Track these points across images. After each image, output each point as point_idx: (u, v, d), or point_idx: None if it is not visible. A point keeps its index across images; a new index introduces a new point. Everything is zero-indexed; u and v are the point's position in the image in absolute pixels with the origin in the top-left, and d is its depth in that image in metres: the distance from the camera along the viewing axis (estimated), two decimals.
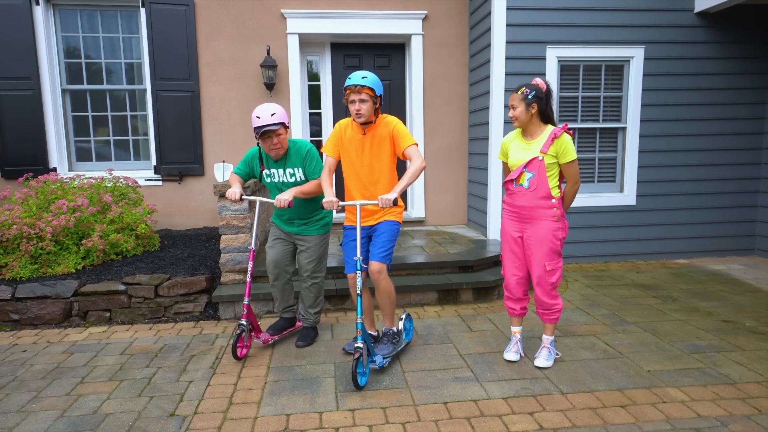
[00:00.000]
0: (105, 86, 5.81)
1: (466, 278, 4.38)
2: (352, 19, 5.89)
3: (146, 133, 5.97)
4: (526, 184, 2.98)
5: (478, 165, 5.87)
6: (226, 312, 4.07)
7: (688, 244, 5.69)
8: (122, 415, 2.61)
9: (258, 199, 3.31)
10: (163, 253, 4.67)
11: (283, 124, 3.17)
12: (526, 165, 2.96)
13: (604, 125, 5.52)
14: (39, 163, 5.63)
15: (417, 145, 3.03)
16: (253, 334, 3.34)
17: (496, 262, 4.79)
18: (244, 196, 3.25)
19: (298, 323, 3.69)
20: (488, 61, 5.39)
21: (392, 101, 6.37)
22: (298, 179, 3.31)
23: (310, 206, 3.38)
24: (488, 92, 5.41)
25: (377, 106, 2.98)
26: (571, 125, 5.45)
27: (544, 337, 3.15)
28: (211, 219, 6.00)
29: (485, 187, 5.59)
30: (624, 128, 5.55)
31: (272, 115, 3.12)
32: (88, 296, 3.98)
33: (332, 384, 2.90)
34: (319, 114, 6.31)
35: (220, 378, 3.01)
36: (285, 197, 3.10)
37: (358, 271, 2.90)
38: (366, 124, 3.01)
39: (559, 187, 3.00)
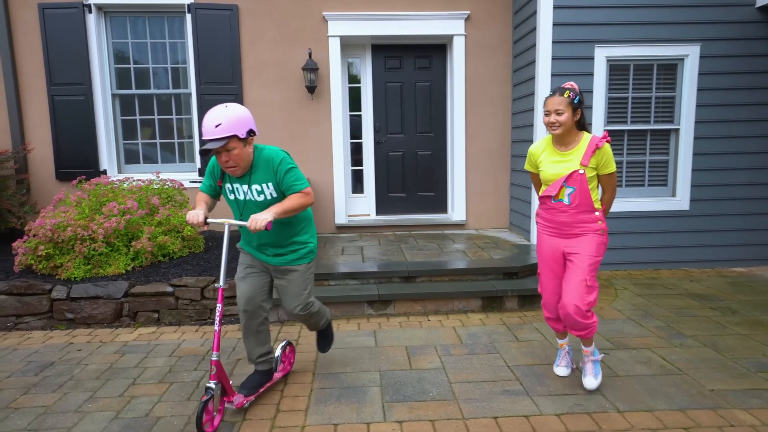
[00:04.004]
0: (152, 90, 5.96)
1: (511, 285, 4.28)
2: (394, 20, 5.84)
3: (191, 136, 6.09)
4: (566, 199, 2.73)
5: (522, 168, 5.73)
6: (270, 316, 4.09)
7: (746, 252, 5.40)
8: (173, 418, 2.65)
9: (227, 221, 2.60)
10: (208, 255, 4.75)
11: (234, 136, 2.42)
12: (566, 179, 2.70)
13: (655, 127, 5.29)
14: (90, 166, 5.82)
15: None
16: (224, 398, 2.59)
17: None
18: (209, 220, 2.64)
19: (276, 375, 2.98)
20: (533, 62, 5.25)
21: (433, 103, 6.30)
22: (269, 197, 2.60)
23: (286, 230, 2.69)
24: (533, 93, 5.27)
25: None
26: (620, 127, 5.26)
27: (584, 348, 2.90)
28: None
29: (528, 191, 5.45)
30: (677, 130, 5.31)
31: (216, 126, 2.39)
32: (138, 297, 4.08)
33: (378, 393, 2.87)
34: (360, 116, 6.30)
35: None
36: (263, 217, 2.40)
37: None
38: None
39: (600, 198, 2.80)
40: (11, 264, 4.48)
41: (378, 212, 6.44)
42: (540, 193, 2.86)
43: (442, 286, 4.28)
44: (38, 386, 3.02)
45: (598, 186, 2.75)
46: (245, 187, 2.61)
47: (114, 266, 4.29)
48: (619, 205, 5.29)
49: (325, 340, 3.18)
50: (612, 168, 2.70)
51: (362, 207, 6.46)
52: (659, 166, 5.41)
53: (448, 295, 4.19)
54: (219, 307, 2.52)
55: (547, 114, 2.68)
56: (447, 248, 5.17)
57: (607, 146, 2.66)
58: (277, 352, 3.05)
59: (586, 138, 2.70)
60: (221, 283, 2.55)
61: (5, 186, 5.22)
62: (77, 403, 2.82)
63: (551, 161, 2.76)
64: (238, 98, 5.84)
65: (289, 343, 3.14)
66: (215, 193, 2.79)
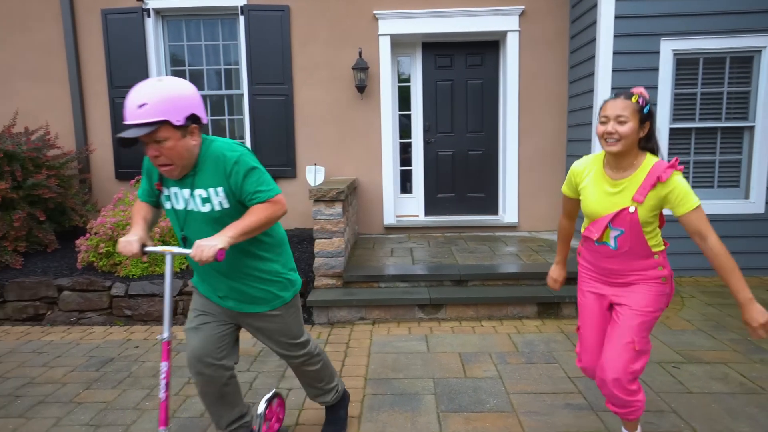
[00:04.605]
0: (205, 92, 6.08)
1: (569, 291, 4.08)
2: (445, 17, 5.72)
3: (242, 137, 6.18)
4: (612, 243, 2.04)
5: None
6: (319, 317, 4.07)
7: None
8: None
9: (168, 250, 1.87)
10: None
11: (166, 123, 1.70)
12: (611, 219, 2.00)
13: (726, 124, 4.94)
14: None
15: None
16: None
17: None
18: (146, 248, 1.89)
19: None
20: (592, 57, 5.01)
21: (485, 102, 6.13)
22: (217, 207, 1.86)
23: (246, 261, 1.96)
24: (592, 90, 5.03)
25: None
26: (687, 125, 4.93)
27: (624, 431, 2.22)
28: (303, 221, 6.10)
29: None
30: (751, 127, 4.93)
31: (141, 107, 1.67)
32: (190, 296, 4.13)
33: (433, 402, 2.77)
34: (409, 116, 6.21)
35: None
36: (211, 244, 1.70)
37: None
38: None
39: (663, 242, 2.08)
40: (74, 261, 4.66)
41: (427, 213, 6.33)
42: (582, 231, 2.14)
43: (496, 291, 4.13)
44: (99, 381, 3.10)
45: (659, 226, 2.06)
46: (186, 192, 1.87)
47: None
48: None
49: (335, 423, 2.42)
50: (691, 204, 1.90)
51: (411, 208, 6.37)
52: (730, 166, 5.04)
53: (501, 300, 4.04)
54: (164, 366, 1.82)
55: (603, 121, 1.94)
56: (499, 251, 5.01)
57: (676, 179, 1.90)
58: (261, 408, 2.26)
59: (647, 163, 1.96)
60: (165, 334, 1.84)
61: (69, 185, 5.45)
62: (135, 400, 2.87)
63: (597, 189, 2.05)
64: (289, 98, 5.87)
65: (276, 395, 2.39)
66: (156, 201, 2.06)
